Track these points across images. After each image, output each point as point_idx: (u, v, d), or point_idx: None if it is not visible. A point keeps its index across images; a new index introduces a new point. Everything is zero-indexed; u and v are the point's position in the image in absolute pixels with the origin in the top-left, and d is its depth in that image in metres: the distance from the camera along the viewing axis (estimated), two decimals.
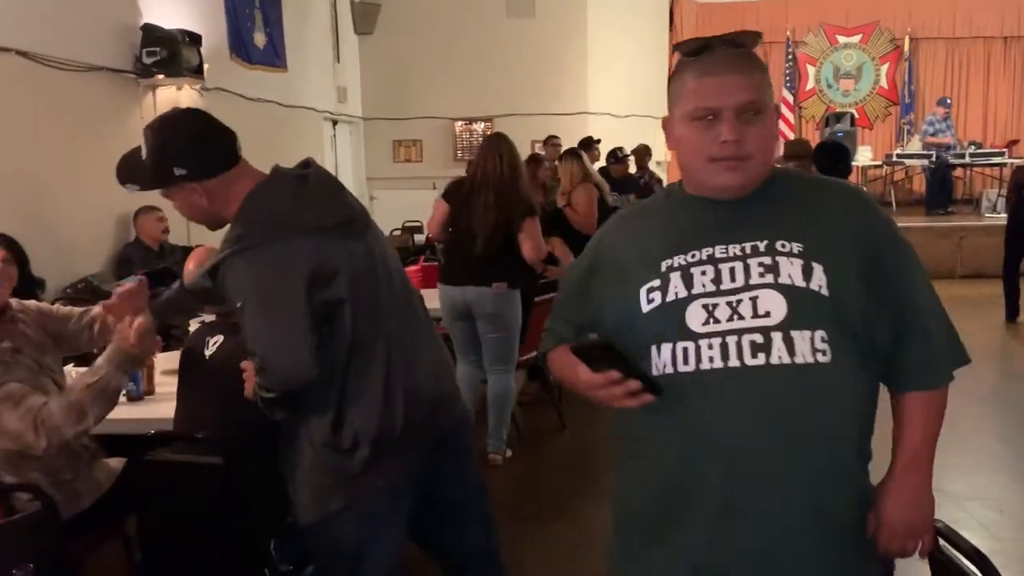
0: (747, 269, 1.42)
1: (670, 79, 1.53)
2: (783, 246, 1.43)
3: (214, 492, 2.30)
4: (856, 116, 13.54)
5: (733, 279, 1.42)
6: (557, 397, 5.32)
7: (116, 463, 2.75)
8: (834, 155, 5.09)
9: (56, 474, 2.52)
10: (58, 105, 5.33)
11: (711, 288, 1.42)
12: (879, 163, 13.06)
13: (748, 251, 1.44)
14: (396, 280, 2.06)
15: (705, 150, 1.44)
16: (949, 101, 12.72)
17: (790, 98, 14.29)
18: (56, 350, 2.71)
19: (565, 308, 1.67)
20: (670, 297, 1.44)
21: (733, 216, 1.48)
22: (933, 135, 12.25)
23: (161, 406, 2.78)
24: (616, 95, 12.03)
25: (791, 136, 13.95)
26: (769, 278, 1.40)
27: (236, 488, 2.26)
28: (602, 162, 8.94)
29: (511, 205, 4.10)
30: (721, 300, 1.41)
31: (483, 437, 4.48)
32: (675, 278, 1.45)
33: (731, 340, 1.38)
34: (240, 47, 7.77)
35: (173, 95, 6.57)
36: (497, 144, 4.20)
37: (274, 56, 8.52)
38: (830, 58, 14.38)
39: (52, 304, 4.72)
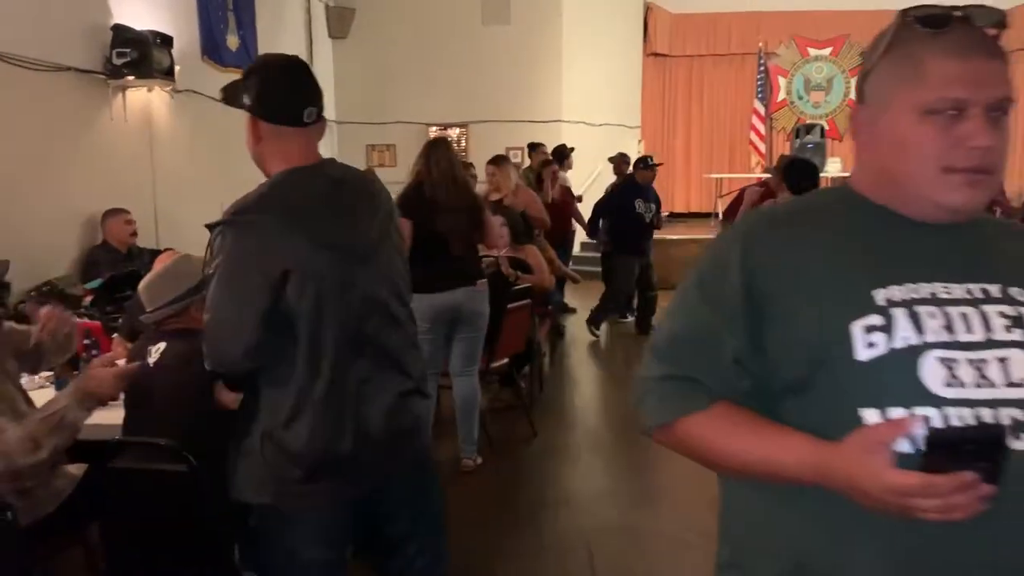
0: (985, 319, 1.10)
1: (884, 52, 1.18)
2: (1020, 294, 1.13)
3: (177, 499, 2.28)
4: (826, 128, 13.70)
5: (970, 329, 1.09)
6: (528, 404, 5.33)
7: (76, 469, 2.71)
8: (805, 174, 5.15)
9: (16, 482, 2.47)
10: (26, 105, 5.25)
11: (945, 337, 1.09)
12: (848, 174, 13.20)
13: (980, 295, 1.13)
14: (375, 315, 1.96)
15: (942, 156, 1.11)
16: None
17: (762, 109, 14.44)
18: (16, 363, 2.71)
19: (700, 349, 1.19)
20: (899, 343, 1.08)
21: (951, 245, 1.16)
22: None
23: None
24: (590, 103, 12.10)
25: (762, 147, 14.13)
26: (1017, 334, 1.10)
27: (199, 494, 2.23)
28: (576, 170, 9.03)
29: (471, 202, 4.19)
30: (960, 356, 1.08)
31: (454, 444, 4.48)
32: (900, 317, 1.09)
33: (985, 413, 1.06)
34: (212, 49, 7.70)
35: (144, 97, 6.50)
36: (438, 148, 4.23)
37: (247, 59, 8.45)
38: (801, 70, 14.56)
39: (16, 306, 4.68)
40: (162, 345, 2.47)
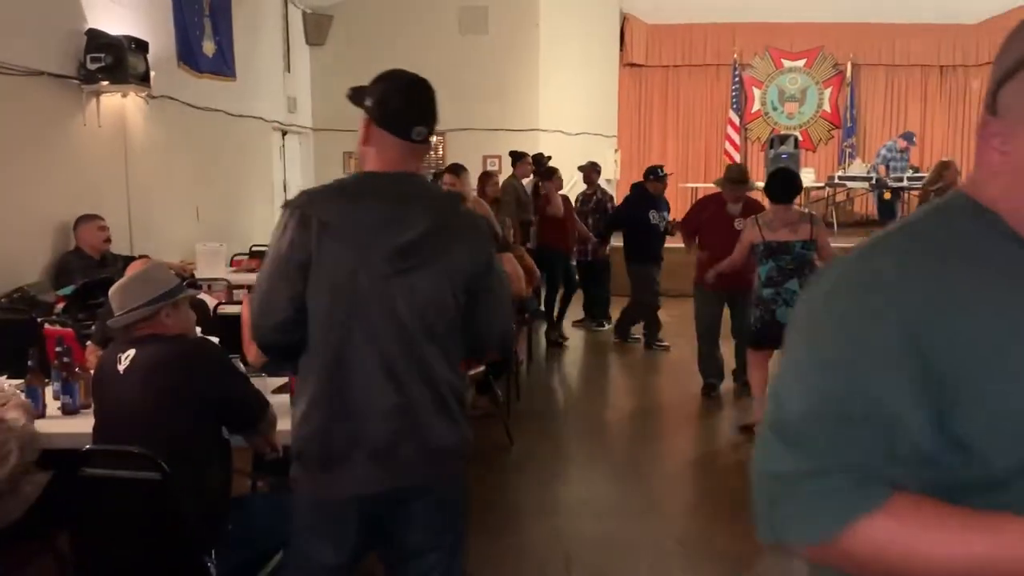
0: None
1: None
2: None
3: (150, 506, 2.26)
4: (800, 139, 13.86)
5: None
6: (506, 412, 5.33)
7: (41, 476, 2.68)
8: (788, 185, 5.21)
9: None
10: None
11: None
12: (821, 184, 13.38)
13: None
14: (392, 331, 1.93)
15: None
16: (915, 138, 12.81)
17: (736, 120, 14.59)
18: None
19: (865, 425, 0.92)
20: None
21: None
22: (884, 164, 12.40)
23: None
24: (567, 112, 12.15)
25: (737, 157, 14.26)
26: None
27: (172, 501, 2.22)
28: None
29: None
30: None
31: None
32: None
33: None
34: (188, 55, 7.66)
35: (118, 102, 6.45)
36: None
37: (223, 65, 8.42)
38: (775, 81, 14.72)
39: None
40: (131, 352, 2.44)
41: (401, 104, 2.00)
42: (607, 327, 8.55)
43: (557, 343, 8.03)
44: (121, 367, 2.42)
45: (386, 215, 1.93)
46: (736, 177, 5.94)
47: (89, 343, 3.81)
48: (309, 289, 1.93)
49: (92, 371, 3.14)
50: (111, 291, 2.53)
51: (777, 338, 5.13)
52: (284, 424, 2.68)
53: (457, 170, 6.28)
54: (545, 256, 7.53)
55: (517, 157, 8.58)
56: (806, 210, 5.41)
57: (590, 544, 3.81)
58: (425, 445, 1.99)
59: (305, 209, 1.94)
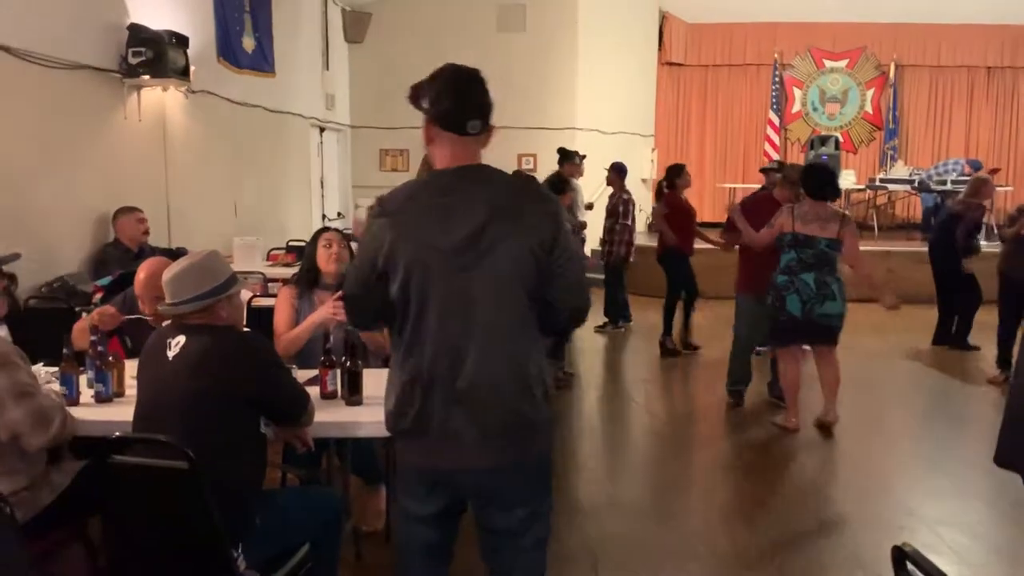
0: None
1: None
2: None
3: (179, 497, 2.26)
4: (841, 140, 13.66)
5: None
6: None
7: (71, 464, 2.71)
8: (822, 178, 5.14)
9: (13, 477, 2.50)
10: (40, 102, 5.28)
11: None
12: (862, 187, 13.17)
13: None
14: (458, 314, 2.03)
15: None
16: (981, 165, 12.09)
17: (776, 120, 14.40)
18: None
19: None
20: None
21: None
22: (942, 182, 11.87)
23: (131, 408, 2.72)
24: (604, 111, 12.08)
25: (776, 158, 14.08)
26: None
27: (202, 493, 2.22)
28: (588, 177, 8.94)
29: None
30: None
31: None
32: None
33: None
34: (228, 51, 7.73)
35: (158, 96, 6.52)
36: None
37: (262, 61, 8.49)
38: (816, 82, 14.51)
39: (27, 302, 4.69)
40: (182, 339, 2.44)
41: (453, 101, 2.05)
42: (622, 328, 8.52)
43: (672, 352, 7.62)
44: (171, 353, 2.43)
45: (450, 210, 2.01)
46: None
47: (107, 306, 3.71)
48: (391, 284, 2.06)
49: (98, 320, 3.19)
50: (165, 277, 2.52)
51: (787, 331, 5.07)
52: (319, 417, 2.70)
53: None
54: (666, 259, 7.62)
55: (567, 155, 8.39)
56: (841, 209, 5.31)
57: (618, 544, 3.77)
58: (498, 425, 2.06)
59: (384, 207, 2.08)
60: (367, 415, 2.86)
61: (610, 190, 8.59)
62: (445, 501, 2.20)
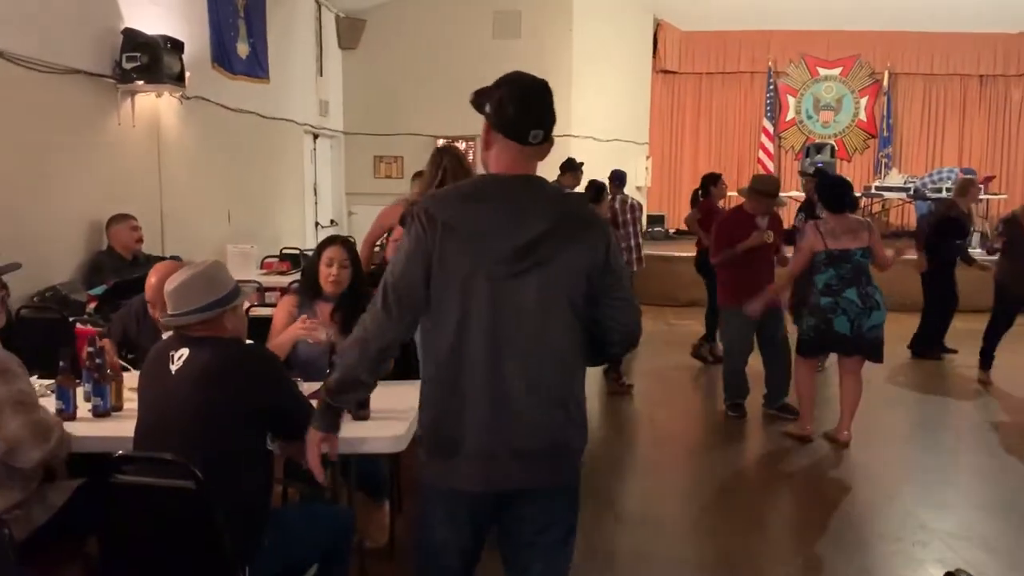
0: None
1: None
2: None
3: (184, 517, 2.17)
4: (836, 148, 13.66)
5: None
6: None
7: (68, 482, 2.62)
8: (838, 192, 5.13)
9: (5, 493, 2.40)
10: (33, 107, 5.17)
11: None
12: (858, 195, 13.13)
13: None
14: (493, 330, 1.95)
15: None
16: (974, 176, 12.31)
17: (770, 128, 14.39)
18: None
19: None
20: None
21: None
22: (937, 189, 11.86)
23: (130, 423, 2.63)
24: (599, 119, 12.03)
25: (770, 166, 14.08)
26: None
27: (208, 512, 2.13)
28: (584, 185, 8.88)
29: None
30: None
31: None
32: None
33: None
34: (223, 56, 7.64)
35: (152, 102, 6.42)
36: (448, 154, 4.11)
37: (257, 67, 8.40)
38: (811, 90, 14.51)
39: (18, 312, 4.58)
40: (185, 352, 2.35)
41: (517, 110, 2.01)
42: None
43: (703, 359, 7.55)
44: (173, 366, 2.34)
45: (504, 217, 1.96)
46: (771, 191, 5.73)
47: (106, 339, 3.69)
48: (432, 285, 1.98)
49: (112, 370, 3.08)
50: (168, 288, 2.43)
51: (832, 346, 5.02)
52: None
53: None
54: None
55: (571, 166, 8.39)
56: (863, 218, 5.26)
57: (626, 560, 3.69)
58: (534, 446, 1.99)
59: (430, 209, 1.98)
60: (375, 430, 2.77)
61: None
62: (477, 524, 2.10)
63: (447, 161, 3.98)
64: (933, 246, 7.49)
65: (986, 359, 6.90)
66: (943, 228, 7.43)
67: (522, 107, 2.00)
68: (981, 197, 12.11)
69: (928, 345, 7.77)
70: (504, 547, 2.16)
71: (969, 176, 8.40)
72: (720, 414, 5.93)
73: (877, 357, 5.08)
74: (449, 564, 2.12)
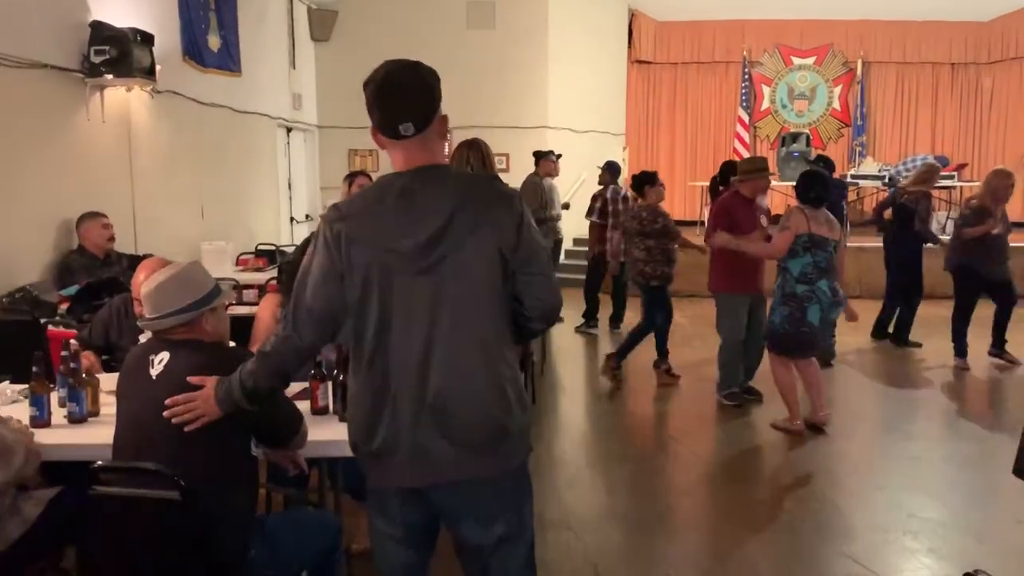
0: None
1: None
2: None
3: (167, 527, 2.09)
4: (810, 137, 13.71)
5: None
6: None
7: (43, 492, 2.51)
8: (813, 185, 5.16)
9: None
10: None
11: None
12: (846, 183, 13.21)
13: None
14: (419, 320, 1.93)
15: None
16: (948, 161, 12.40)
17: (746, 117, 14.42)
18: None
19: None
20: None
21: None
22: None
23: (107, 429, 2.54)
24: (575, 110, 11.98)
25: (745, 155, 14.10)
26: None
27: (192, 523, 2.05)
28: (561, 177, 8.86)
29: None
30: None
31: None
32: None
33: None
34: (194, 49, 7.48)
35: (122, 96, 6.27)
36: (474, 148, 4.05)
37: (228, 60, 8.24)
38: (785, 79, 14.55)
39: None
40: (165, 356, 2.27)
41: (378, 108, 1.97)
42: (595, 331, 8.47)
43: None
44: (153, 371, 2.25)
45: (402, 218, 1.93)
46: (761, 165, 5.79)
47: (87, 352, 3.60)
48: (348, 295, 1.96)
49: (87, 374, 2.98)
50: (144, 290, 2.34)
51: (806, 343, 5.02)
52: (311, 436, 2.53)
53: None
54: None
55: (541, 155, 8.47)
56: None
57: (618, 556, 3.65)
58: (471, 435, 1.96)
59: (333, 224, 1.97)
60: None
61: (587, 189, 8.62)
62: (419, 518, 2.08)
63: (472, 157, 3.94)
64: (894, 235, 7.54)
65: (960, 345, 6.93)
66: (899, 215, 7.46)
67: (380, 104, 1.96)
68: (955, 184, 12.27)
69: (886, 330, 7.83)
70: (459, 554, 2.13)
71: (933, 164, 8.44)
72: (707, 405, 5.90)
73: (824, 352, 5.16)
74: (397, 551, 2.11)
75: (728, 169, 7.23)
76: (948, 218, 11.81)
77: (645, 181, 6.67)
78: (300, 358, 2.09)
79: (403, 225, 1.92)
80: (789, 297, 5.02)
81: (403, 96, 1.96)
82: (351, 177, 5.57)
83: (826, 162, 7.65)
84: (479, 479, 2.00)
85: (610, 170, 8.49)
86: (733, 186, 5.86)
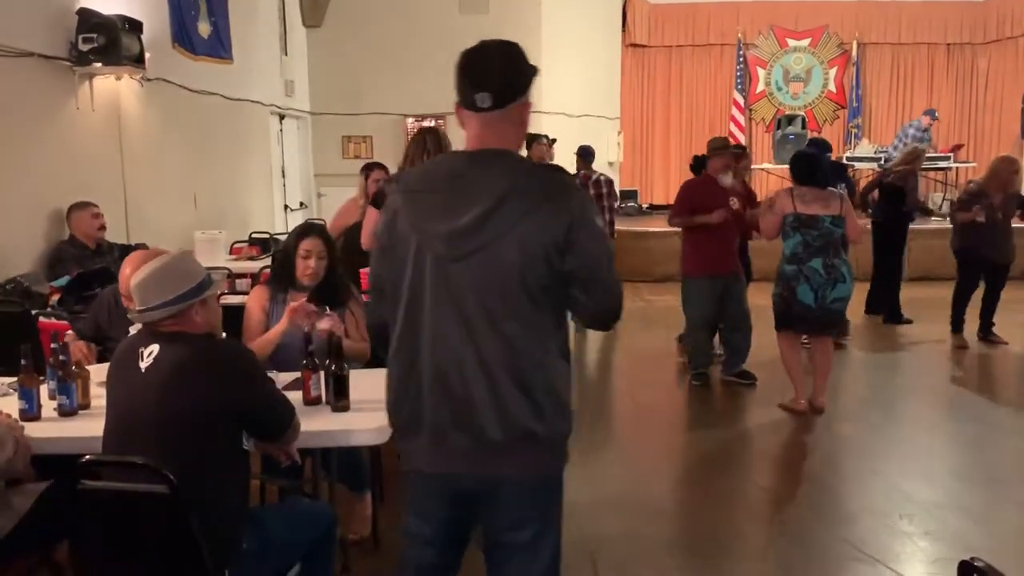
0: None
1: None
2: None
3: (159, 522, 2.07)
4: (806, 119, 13.66)
5: None
6: None
7: (34, 486, 2.49)
8: (807, 166, 5.19)
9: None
10: None
11: None
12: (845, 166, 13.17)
13: None
14: (452, 308, 1.87)
15: None
16: (937, 115, 12.57)
17: (741, 100, 14.36)
18: None
19: None
20: None
21: None
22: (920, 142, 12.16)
23: (98, 422, 2.51)
24: (569, 94, 11.90)
25: (741, 138, 14.05)
26: None
27: (183, 517, 2.03)
28: (556, 161, 8.80)
29: None
30: None
31: None
32: None
33: None
34: (183, 36, 7.41)
35: (112, 85, 6.21)
36: (424, 139, 4.01)
37: (219, 47, 8.17)
38: (780, 61, 14.48)
39: None
40: (155, 348, 2.23)
41: (460, 76, 1.91)
42: None
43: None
44: (143, 364, 2.21)
45: (445, 199, 1.87)
46: (719, 144, 5.86)
47: (69, 333, 3.58)
48: (388, 267, 1.97)
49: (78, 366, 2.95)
50: (134, 282, 2.30)
51: (797, 320, 5.08)
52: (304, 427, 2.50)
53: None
54: None
55: (532, 139, 8.38)
56: (837, 190, 5.27)
57: (616, 543, 3.64)
58: (488, 432, 1.88)
59: (391, 194, 2.01)
60: (355, 422, 2.68)
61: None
62: (446, 513, 2.01)
63: (430, 141, 3.90)
64: (882, 215, 7.59)
65: (957, 323, 7.01)
66: (886, 195, 7.51)
67: (463, 71, 1.90)
68: (951, 165, 12.25)
69: (880, 305, 7.87)
70: (483, 545, 2.07)
71: (918, 146, 8.52)
72: (702, 390, 5.89)
73: (832, 331, 5.24)
74: (419, 553, 2.06)
75: (697, 160, 7.24)
76: (944, 199, 11.80)
77: (702, 164, 6.75)
78: (382, 332, 2.03)
79: (446, 208, 1.86)
80: (779, 277, 5.13)
81: (486, 65, 1.90)
82: (367, 170, 5.42)
83: (819, 144, 7.62)
84: (501, 479, 1.93)
85: (583, 156, 8.42)
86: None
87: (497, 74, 1.89)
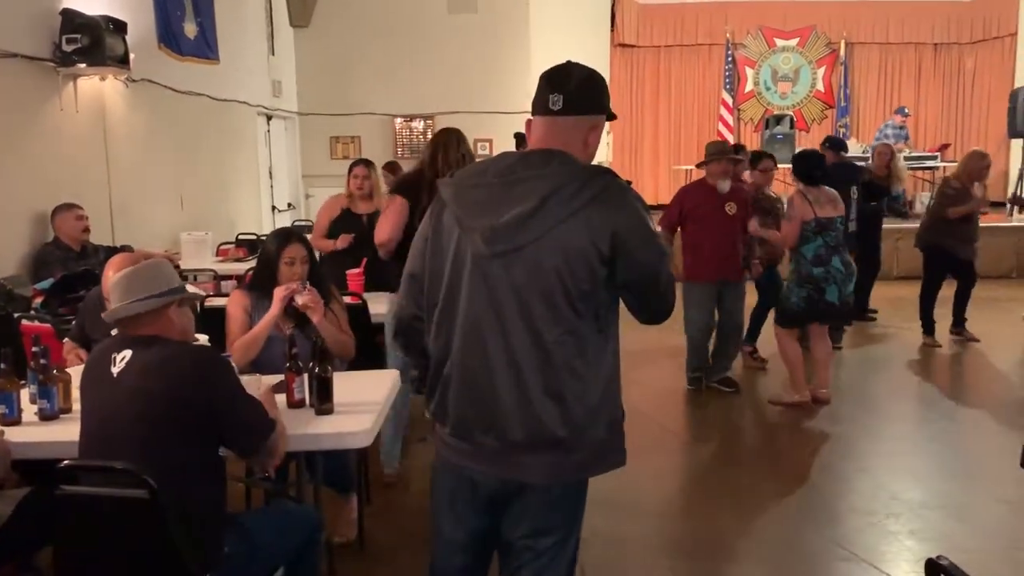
0: None
1: None
2: None
3: (138, 528, 2.05)
4: (794, 119, 13.70)
5: None
6: None
7: (13, 493, 2.47)
8: (810, 164, 5.25)
9: None
10: None
11: None
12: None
13: None
14: (488, 310, 1.84)
15: None
16: (907, 111, 12.67)
17: (729, 100, 14.39)
18: None
19: None
20: None
21: None
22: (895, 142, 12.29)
23: (79, 426, 2.50)
24: None
25: (730, 138, 14.07)
26: None
27: (163, 522, 2.01)
28: None
29: None
30: None
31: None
32: None
33: None
34: (169, 37, 7.38)
35: (96, 86, 6.18)
36: (447, 137, 4.03)
37: (205, 47, 8.14)
38: (768, 61, 14.52)
39: None
40: (127, 353, 2.20)
41: (540, 82, 1.94)
42: None
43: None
44: (115, 369, 2.18)
45: (493, 194, 1.86)
46: (718, 149, 5.76)
47: (67, 340, 3.59)
48: (428, 256, 1.95)
49: (69, 370, 2.93)
50: (111, 283, 2.28)
51: (821, 316, 5.17)
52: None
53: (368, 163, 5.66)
54: None
55: (522, 137, 8.38)
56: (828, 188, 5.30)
57: (602, 544, 3.63)
58: (510, 433, 1.86)
59: (442, 187, 1.97)
60: (340, 425, 2.66)
61: None
62: (478, 520, 2.00)
63: (454, 135, 3.99)
64: (860, 212, 7.64)
65: (928, 324, 7.04)
66: (866, 194, 7.56)
67: (542, 79, 1.93)
68: (938, 164, 12.31)
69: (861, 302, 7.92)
70: (499, 546, 2.05)
71: (889, 146, 8.64)
72: (693, 391, 5.89)
73: (848, 320, 5.50)
74: (446, 545, 2.06)
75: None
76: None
77: (751, 162, 6.79)
78: (411, 328, 2.05)
79: (490, 204, 1.83)
80: (806, 279, 5.13)
81: (568, 74, 1.92)
82: (351, 166, 5.52)
83: (834, 143, 7.67)
84: (524, 482, 1.90)
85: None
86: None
87: (576, 81, 1.90)
